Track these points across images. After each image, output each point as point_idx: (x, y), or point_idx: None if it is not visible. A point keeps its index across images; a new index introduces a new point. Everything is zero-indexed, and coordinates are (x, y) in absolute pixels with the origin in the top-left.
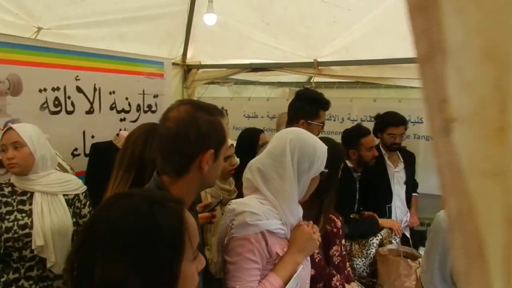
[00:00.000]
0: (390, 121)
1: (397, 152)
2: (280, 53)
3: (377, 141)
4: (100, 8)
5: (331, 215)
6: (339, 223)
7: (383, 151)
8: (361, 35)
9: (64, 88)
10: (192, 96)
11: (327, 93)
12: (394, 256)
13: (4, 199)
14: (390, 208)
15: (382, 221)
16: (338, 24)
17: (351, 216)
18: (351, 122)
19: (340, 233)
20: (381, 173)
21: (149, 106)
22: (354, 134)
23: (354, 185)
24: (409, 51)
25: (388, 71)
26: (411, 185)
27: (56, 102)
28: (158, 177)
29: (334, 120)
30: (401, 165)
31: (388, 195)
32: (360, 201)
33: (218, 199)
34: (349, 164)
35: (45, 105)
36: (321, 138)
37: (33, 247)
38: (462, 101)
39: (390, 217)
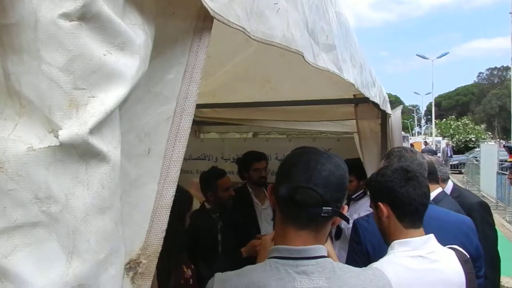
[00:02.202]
0: (252, 158)
1: (264, 189)
2: None
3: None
4: None
5: (182, 266)
6: (189, 273)
7: (250, 190)
8: (224, 81)
9: None
10: None
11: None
12: None
13: None
14: None
15: (245, 250)
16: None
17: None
18: (223, 160)
19: (190, 283)
20: (249, 212)
21: None
22: (210, 176)
23: (214, 227)
24: (268, 96)
25: (253, 113)
26: None
27: None
28: None
29: (208, 160)
30: (268, 202)
31: (256, 233)
32: (224, 241)
33: None
34: (207, 206)
35: None
36: None
37: None
38: None
39: None
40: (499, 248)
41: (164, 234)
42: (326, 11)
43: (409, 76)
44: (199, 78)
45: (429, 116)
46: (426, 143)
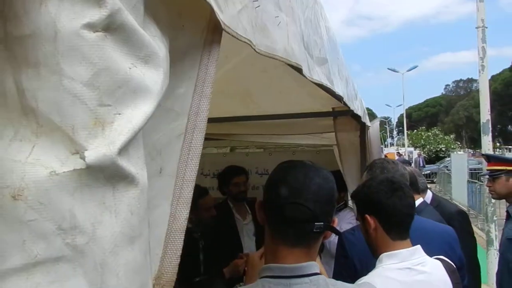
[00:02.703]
0: (231, 172)
1: (245, 204)
2: None
3: None
4: None
5: None
6: None
7: (231, 205)
8: None
9: None
10: None
11: None
12: None
13: None
14: None
15: (227, 271)
16: None
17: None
18: (203, 176)
19: None
20: (230, 227)
21: None
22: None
23: (195, 246)
24: (249, 110)
25: (233, 128)
26: (261, 236)
27: None
28: None
29: None
30: (250, 217)
31: (238, 249)
32: (206, 261)
33: None
34: (188, 225)
35: None
36: None
37: None
38: None
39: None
40: None
41: (179, 260)
42: (318, 25)
43: (380, 89)
44: (210, 93)
45: (401, 128)
46: (399, 154)
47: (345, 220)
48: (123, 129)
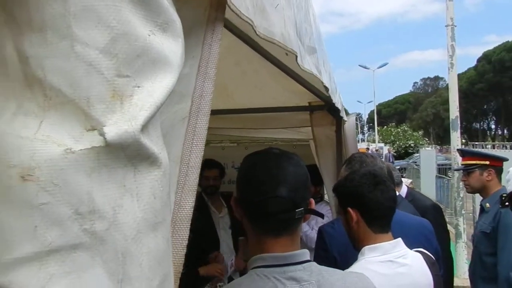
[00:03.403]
0: (203, 165)
1: (220, 197)
2: None
3: None
4: None
5: None
6: None
7: (206, 198)
8: None
9: None
10: None
11: None
12: None
13: None
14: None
15: (204, 270)
16: None
17: None
18: None
19: None
20: (206, 220)
21: None
22: None
23: None
24: (225, 104)
25: (209, 121)
26: (237, 229)
27: None
28: None
29: None
30: (225, 210)
31: (214, 241)
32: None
33: None
34: None
35: None
36: None
37: None
38: None
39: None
40: None
41: (185, 251)
42: (308, 12)
43: (351, 86)
44: (214, 75)
45: (371, 124)
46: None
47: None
48: (144, 104)
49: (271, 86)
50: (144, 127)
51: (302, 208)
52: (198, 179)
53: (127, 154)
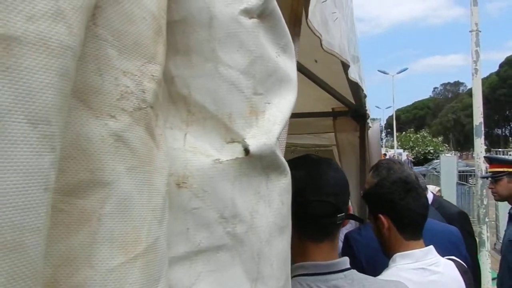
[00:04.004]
0: None
1: None
2: None
3: None
4: None
5: None
6: None
7: None
8: None
9: None
10: None
11: None
12: None
13: None
14: None
15: None
16: None
17: None
18: None
19: None
20: None
21: None
22: None
23: None
24: None
25: None
26: None
27: None
28: None
29: None
30: None
31: None
32: None
33: None
34: None
35: None
36: None
37: None
38: None
39: None
40: None
41: None
42: (353, 23)
43: (370, 91)
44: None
45: (389, 130)
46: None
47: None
48: (277, 119)
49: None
50: (276, 141)
51: (344, 213)
52: None
53: (263, 164)
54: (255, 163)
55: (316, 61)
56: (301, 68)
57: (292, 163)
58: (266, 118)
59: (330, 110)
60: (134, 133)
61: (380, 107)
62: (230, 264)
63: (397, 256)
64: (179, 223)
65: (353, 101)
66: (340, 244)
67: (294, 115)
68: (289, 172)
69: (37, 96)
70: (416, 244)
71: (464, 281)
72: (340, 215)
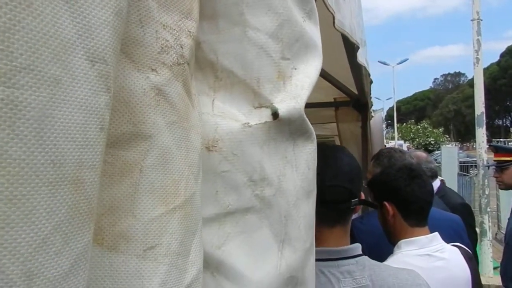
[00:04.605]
0: None
1: None
2: None
3: None
4: None
5: None
6: None
7: None
8: None
9: None
10: None
11: None
12: None
13: None
14: None
15: None
16: None
17: None
18: None
19: None
20: None
21: None
22: None
23: None
24: None
25: None
26: None
27: None
28: None
29: None
30: None
31: None
32: None
33: None
34: None
35: None
36: None
37: None
38: None
39: None
40: None
41: None
42: (360, 7)
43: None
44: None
45: (390, 121)
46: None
47: None
48: (304, 84)
49: None
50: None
51: (357, 199)
52: None
53: (291, 129)
54: (283, 127)
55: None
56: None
57: None
58: (294, 83)
59: (332, 100)
60: (173, 88)
61: (381, 99)
62: (258, 226)
63: (402, 242)
64: (208, 186)
65: (355, 91)
66: None
67: None
68: (315, 138)
69: (95, 32)
70: (421, 230)
71: (469, 267)
72: (354, 200)
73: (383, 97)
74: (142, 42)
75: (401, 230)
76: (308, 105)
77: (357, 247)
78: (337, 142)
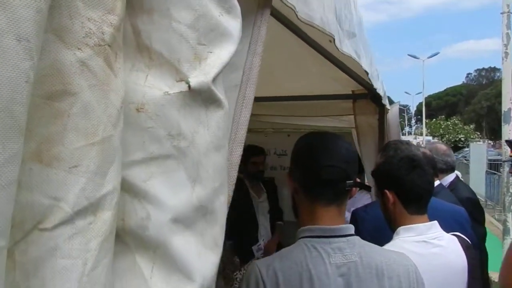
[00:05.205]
0: (251, 152)
1: (260, 183)
2: None
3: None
4: None
5: None
6: None
7: (247, 183)
8: None
9: None
10: None
11: None
12: None
13: None
14: (257, 237)
15: None
16: None
17: None
18: None
19: None
20: (246, 204)
21: None
22: None
23: None
24: (269, 91)
25: (253, 108)
26: (275, 213)
27: None
28: None
29: None
30: (264, 195)
31: (254, 225)
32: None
33: None
34: None
35: None
36: None
37: None
38: None
39: None
40: (488, 244)
41: (233, 187)
42: (348, 0)
43: (399, 76)
44: (261, 52)
45: (419, 116)
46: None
47: (361, 202)
48: (215, 64)
49: (315, 74)
50: (214, 80)
51: (352, 181)
52: (245, 134)
53: (202, 97)
54: (196, 96)
55: (330, 41)
56: (318, 48)
57: (307, 135)
58: (208, 63)
59: (350, 93)
60: (95, 62)
61: (410, 93)
62: (175, 169)
63: (401, 229)
64: (137, 137)
65: (380, 89)
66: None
67: (313, 97)
68: (225, 106)
69: (21, 22)
70: (420, 218)
71: (466, 255)
72: (349, 181)
73: (413, 92)
74: (71, 30)
75: (400, 218)
76: (325, 97)
77: (350, 228)
78: (354, 135)
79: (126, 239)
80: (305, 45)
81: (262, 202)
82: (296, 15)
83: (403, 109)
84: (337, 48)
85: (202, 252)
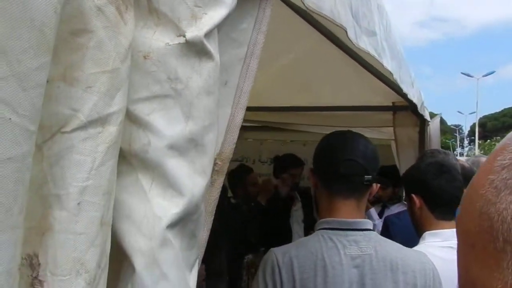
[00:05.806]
0: (290, 162)
1: (295, 192)
2: None
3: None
4: None
5: None
6: None
7: (282, 192)
8: (264, 86)
9: None
10: None
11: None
12: None
13: None
14: None
15: None
16: None
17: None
18: (261, 163)
19: None
20: (282, 213)
21: None
22: (240, 173)
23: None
24: (308, 101)
25: (292, 118)
26: (309, 222)
27: None
28: None
29: (246, 161)
30: (299, 204)
31: (288, 233)
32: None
33: None
34: (233, 200)
35: None
36: None
37: None
38: None
39: None
40: None
41: (234, 146)
42: (369, 1)
43: (452, 95)
44: (266, 30)
45: (473, 137)
46: None
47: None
48: (209, 22)
49: (355, 84)
50: (206, 35)
51: (371, 176)
52: (247, 101)
53: (196, 49)
54: (191, 48)
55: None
56: (358, 59)
57: (332, 133)
58: (202, 22)
59: (390, 104)
60: (108, 8)
61: (463, 113)
62: (172, 107)
63: (427, 234)
64: (144, 79)
65: (413, 96)
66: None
67: (353, 108)
68: (216, 58)
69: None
70: (447, 224)
71: None
72: (367, 176)
73: (466, 111)
74: None
75: (426, 222)
76: (365, 108)
77: (367, 222)
78: (393, 147)
79: (131, 160)
80: (345, 55)
81: (296, 211)
82: (303, 3)
83: (455, 129)
84: (351, 41)
85: (192, 175)
